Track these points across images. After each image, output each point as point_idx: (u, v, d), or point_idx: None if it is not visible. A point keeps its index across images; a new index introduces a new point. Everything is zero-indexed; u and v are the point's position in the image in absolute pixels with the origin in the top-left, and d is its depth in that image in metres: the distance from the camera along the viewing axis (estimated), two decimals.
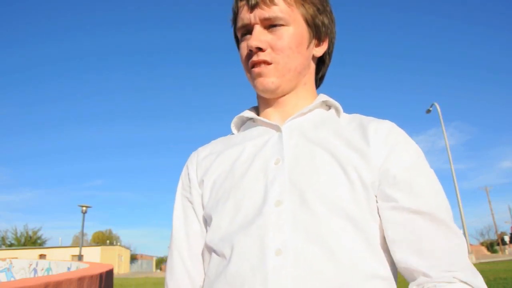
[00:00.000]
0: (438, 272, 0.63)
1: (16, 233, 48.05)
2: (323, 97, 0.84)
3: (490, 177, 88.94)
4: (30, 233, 48.76)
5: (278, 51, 0.77)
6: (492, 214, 48.00)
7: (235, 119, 0.88)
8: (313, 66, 0.86)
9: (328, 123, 0.80)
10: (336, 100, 0.84)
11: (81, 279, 3.22)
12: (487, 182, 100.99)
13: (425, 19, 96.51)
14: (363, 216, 0.67)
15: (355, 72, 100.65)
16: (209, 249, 0.75)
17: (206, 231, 0.80)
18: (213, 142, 0.92)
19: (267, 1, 0.75)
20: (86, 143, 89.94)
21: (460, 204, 22.85)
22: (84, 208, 18.44)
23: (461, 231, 0.67)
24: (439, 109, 24.69)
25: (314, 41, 0.82)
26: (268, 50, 0.77)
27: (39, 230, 50.11)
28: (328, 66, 0.90)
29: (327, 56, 0.88)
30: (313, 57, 0.85)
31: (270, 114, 0.84)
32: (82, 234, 19.69)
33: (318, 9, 0.80)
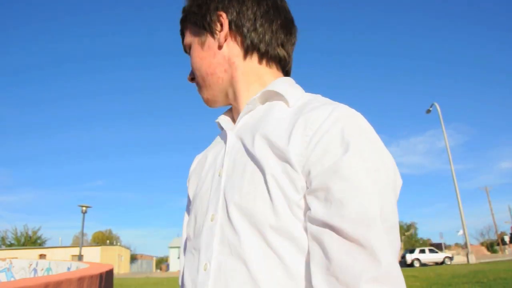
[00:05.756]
0: None
1: (16, 233, 48.08)
2: (269, 87, 0.75)
3: (490, 177, 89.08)
4: (30, 233, 48.78)
5: (194, 70, 0.84)
6: (492, 214, 48.01)
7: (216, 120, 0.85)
8: (239, 59, 0.78)
9: (264, 122, 0.70)
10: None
11: (81, 279, 3.22)
12: (487, 182, 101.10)
13: (425, 19, 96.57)
14: (286, 230, 0.60)
15: (355, 72, 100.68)
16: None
17: None
18: (212, 143, 0.90)
19: (180, 34, 0.88)
20: (87, 143, 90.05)
21: (460, 204, 22.84)
22: (84, 208, 18.44)
23: (383, 247, 0.52)
24: (439, 109, 24.68)
25: (213, 37, 0.79)
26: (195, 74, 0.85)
27: (39, 230, 50.16)
28: (267, 44, 0.78)
29: (258, 38, 0.78)
30: (237, 49, 0.78)
31: (235, 118, 0.82)
32: (82, 234, 19.68)
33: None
